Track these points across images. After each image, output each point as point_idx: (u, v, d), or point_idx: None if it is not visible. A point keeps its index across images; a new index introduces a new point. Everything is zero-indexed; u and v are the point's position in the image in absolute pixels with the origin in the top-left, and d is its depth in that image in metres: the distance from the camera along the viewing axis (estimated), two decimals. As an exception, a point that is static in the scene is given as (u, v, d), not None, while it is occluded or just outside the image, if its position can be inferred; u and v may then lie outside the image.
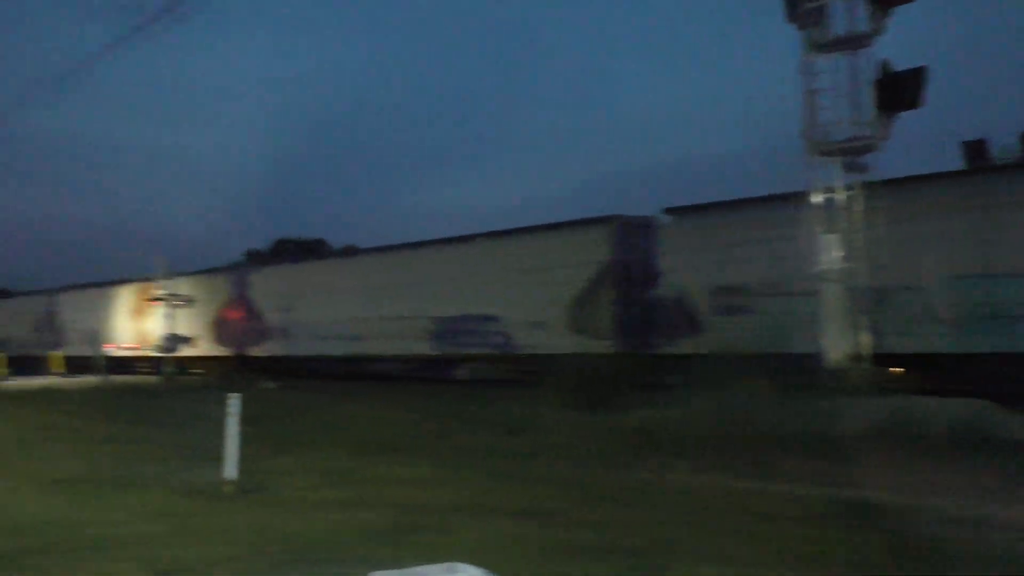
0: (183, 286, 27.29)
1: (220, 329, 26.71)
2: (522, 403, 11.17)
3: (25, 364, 34.11)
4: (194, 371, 26.66)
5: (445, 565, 4.22)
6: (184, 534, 5.40)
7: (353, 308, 22.39)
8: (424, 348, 20.27)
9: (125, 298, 30.82)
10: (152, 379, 23.85)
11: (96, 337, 26.24)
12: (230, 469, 7.15)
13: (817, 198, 11.08)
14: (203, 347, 27.31)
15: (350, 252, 25.49)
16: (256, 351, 25.85)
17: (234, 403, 7.38)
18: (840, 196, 10.96)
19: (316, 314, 23.72)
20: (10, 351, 33.01)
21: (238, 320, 25.95)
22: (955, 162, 14.58)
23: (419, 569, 4.20)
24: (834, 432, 7.40)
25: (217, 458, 8.21)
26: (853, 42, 11.33)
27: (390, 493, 6.94)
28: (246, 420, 7.38)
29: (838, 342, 10.59)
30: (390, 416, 11.25)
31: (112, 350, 29.83)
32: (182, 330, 27.40)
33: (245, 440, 9.41)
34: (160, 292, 26.47)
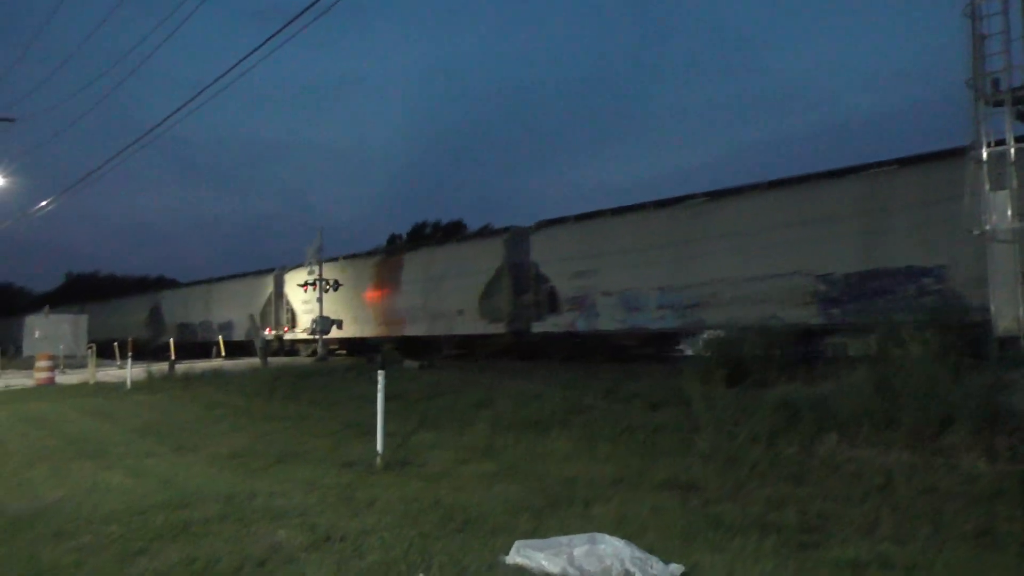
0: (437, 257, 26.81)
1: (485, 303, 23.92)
2: (668, 378, 11.08)
3: (188, 349, 37.45)
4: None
5: (588, 536, 4.42)
6: (340, 504, 5.96)
7: (696, 267, 17.46)
8: (806, 314, 15.62)
9: (291, 283, 32.70)
10: (306, 360, 25.33)
11: (255, 322, 28.18)
12: (381, 445, 7.58)
13: (984, 152, 10.27)
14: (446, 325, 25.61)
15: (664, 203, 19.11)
16: (540, 327, 21.88)
17: (382, 381, 7.78)
18: (1011, 148, 10.11)
19: (626, 279, 19.19)
20: (181, 338, 36.05)
21: (512, 292, 22.99)
22: None
23: (563, 539, 4.43)
24: (1008, 405, 6.93)
25: (368, 433, 8.77)
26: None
27: (533, 467, 7.32)
28: (394, 397, 7.82)
29: (1009, 308, 9.82)
30: (533, 391, 11.50)
31: (270, 334, 31.88)
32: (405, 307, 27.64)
33: (394, 417, 9.99)
34: (312, 276, 27.93)
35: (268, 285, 34.94)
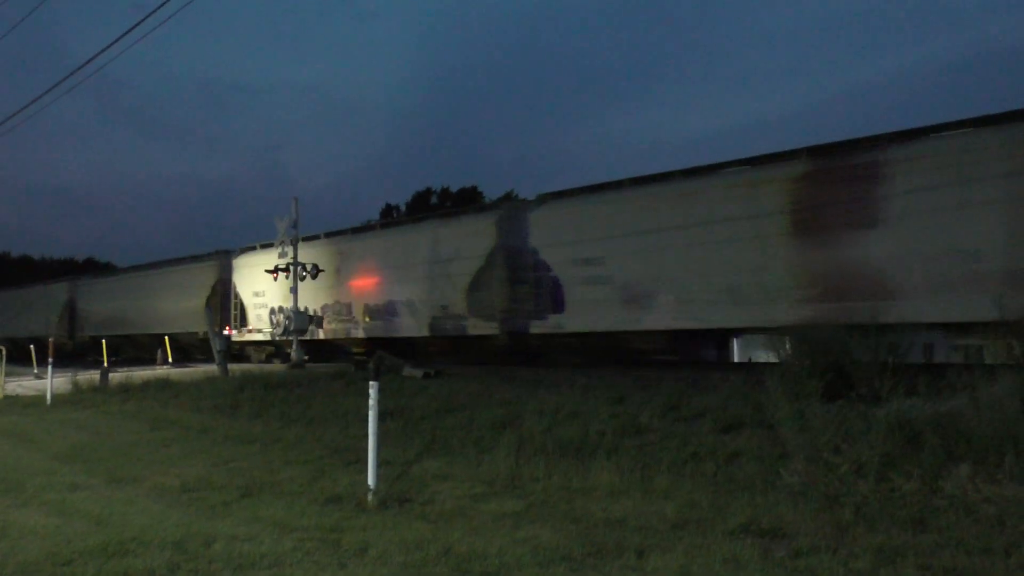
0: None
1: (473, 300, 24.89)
2: (743, 391, 11.09)
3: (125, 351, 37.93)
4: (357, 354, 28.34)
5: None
6: (323, 552, 6.14)
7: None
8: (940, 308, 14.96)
9: (251, 268, 32.94)
10: (276, 367, 25.54)
11: (210, 319, 28.36)
12: (374, 475, 7.68)
13: None
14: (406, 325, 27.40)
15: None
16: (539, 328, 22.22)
17: (375, 395, 7.86)
18: None
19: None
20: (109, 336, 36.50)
21: (509, 285, 23.54)
22: None
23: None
24: None
25: (358, 461, 8.86)
26: None
27: (571, 505, 7.38)
28: (392, 414, 7.90)
29: None
30: (570, 407, 11.54)
31: (231, 334, 32.14)
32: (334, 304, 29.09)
33: (391, 439, 10.07)
34: (284, 262, 28.05)
35: (217, 272, 35.26)
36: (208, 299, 34.92)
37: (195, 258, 37.45)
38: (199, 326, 33.33)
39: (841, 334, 11.01)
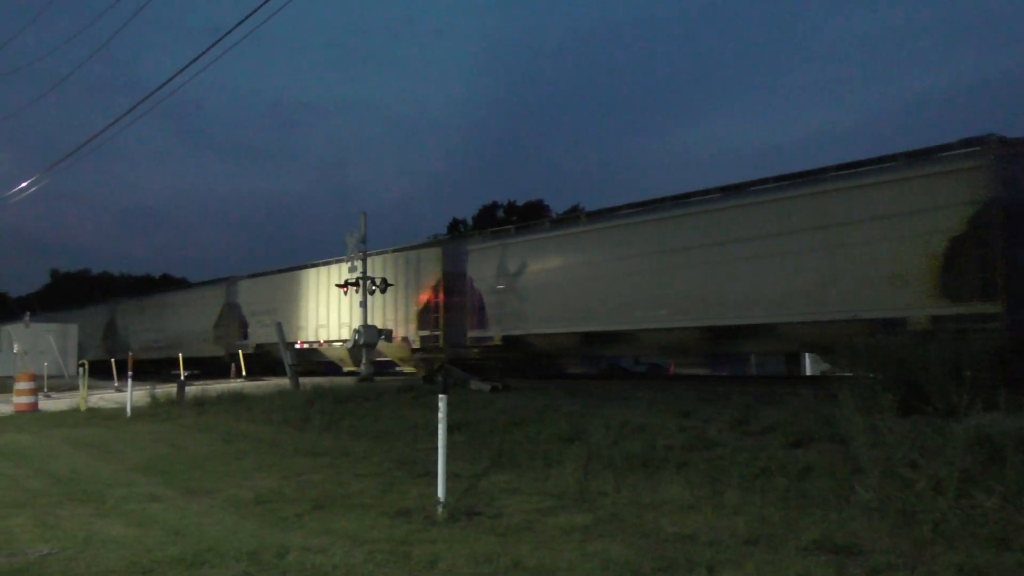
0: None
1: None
2: (813, 406, 10.90)
3: (203, 365, 38.59)
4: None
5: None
6: (393, 564, 6.16)
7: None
8: None
9: (318, 284, 33.46)
10: (345, 381, 25.76)
11: (281, 333, 28.71)
12: (443, 488, 7.67)
13: None
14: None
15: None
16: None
17: (444, 408, 7.86)
18: None
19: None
20: (186, 351, 37.18)
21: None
22: None
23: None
24: None
25: (426, 474, 8.87)
26: None
27: (640, 519, 7.33)
28: (458, 428, 7.88)
29: None
30: (637, 421, 11.44)
31: (301, 347, 32.56)
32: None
33: (459, 453, 10.06)
34: (353, 275, 28.34)
35: (295, 285, 35.73)
36: (291, 312, 35.74)
37: (281, 271, 38.43)
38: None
39: (915, 347, 10.78)
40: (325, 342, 33.35)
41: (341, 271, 30.65)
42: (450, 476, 8.14)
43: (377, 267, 30.02)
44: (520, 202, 66.50)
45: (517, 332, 25.63)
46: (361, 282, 28.47)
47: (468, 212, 69.72)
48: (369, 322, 28.16)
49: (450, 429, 8.24)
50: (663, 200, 22.55)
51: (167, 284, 75.88)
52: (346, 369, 33.37)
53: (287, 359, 25.73)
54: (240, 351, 36.61)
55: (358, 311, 28.66)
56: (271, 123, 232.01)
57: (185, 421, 17.83)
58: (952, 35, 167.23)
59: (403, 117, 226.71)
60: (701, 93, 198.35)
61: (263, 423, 16.29)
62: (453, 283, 28.11)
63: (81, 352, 44.67)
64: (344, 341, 30.86)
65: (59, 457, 13.08)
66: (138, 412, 19.99)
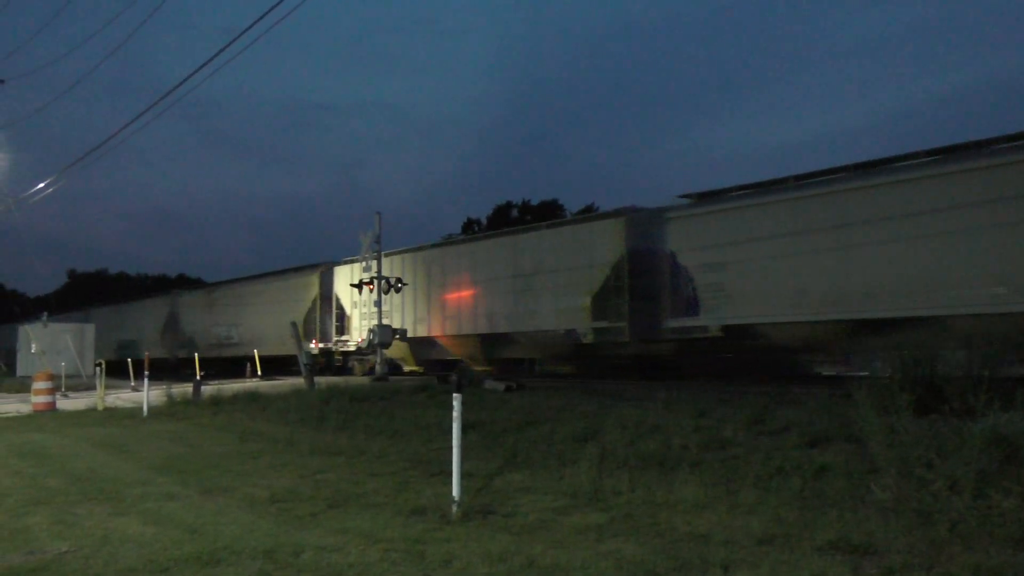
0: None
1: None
2: (829, 405, 10.86)
3: (217, 366, 38.74)
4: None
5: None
6: (408, 563, 6.17)
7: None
8: None
9: (342, 282, 33.47)
10: (361, 380, 25.83)
11: (296, 332, 28.78)
12: (458, 487, 7.68)
13: None
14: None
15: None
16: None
17: (459, 407, 7.87)
18: None
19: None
20: (201, 351, 37.34)
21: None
22: None
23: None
24: None
25: (441, 473, 8.89)
26: None
27: (654, 519, 7.35)
28: (473, 427, 7.89)
29: None
30: (652, 420, 11.43)
31: (315, 347, 32.67)
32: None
33: (474, 452, 10.07)
34: (368, 274, 28.38)
35: (312, 286, 35.82)
36: (307, 312, 35.58)
37: (297, 270, 38.31)
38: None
39: (932, 347, 10.74)
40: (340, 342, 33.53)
41: (459, 255, 30.01)
42: (465, 475, 8.14)
43: (481, 255, 29.02)
44: (535, 201, 66.56)
45: (742, 320, 20.75)
46: (376, 281, 28.52)
47: (483, 212, 69.77)
48: (383, 321, 28.21)
49: (465, 428, 8.25)
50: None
51: (185, 283, 76.11)
52: (407, 369, 32.88)
53: (302, 359, 25.82)
54: (255, 352, 36.60)
55: (372, 310, 28.72)
56: (287, 123, 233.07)
57: (201, 420, 17.91)
58: (971, 34, 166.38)
59: (419, 117, 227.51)
60: (721, 93, 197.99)
61: (279, 422, 16.35)
62: (641, 261, 23.22)
63: (136, 349, 44.49)
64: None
65: (77, 456, 13.16)
66: (155, 411, 20.11)
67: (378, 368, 27.37)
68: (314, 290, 35.79)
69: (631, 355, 24.68)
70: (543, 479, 9.30)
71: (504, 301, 27.23)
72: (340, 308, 34.20)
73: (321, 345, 34.04)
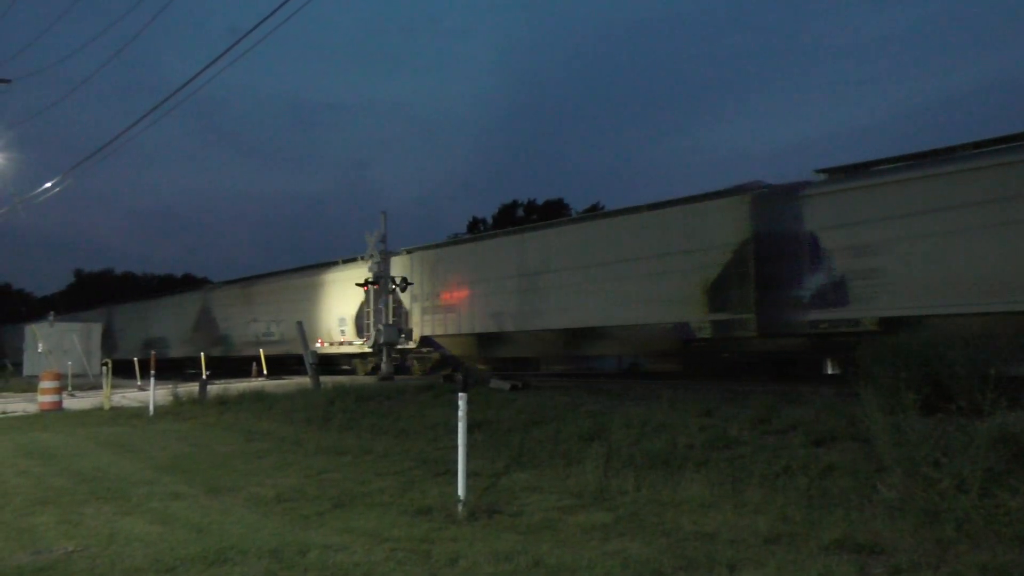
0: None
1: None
2: (835, 404, 10.85)
3: (223, 365, 38.72)
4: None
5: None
6: (414, 562, 6.18)
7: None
8: None
9: (346, 281, 33.18)
10: (366, 379, 25.83)
11: (301, 332, 28.72)
12: (463, 487, 7.69)
13: None
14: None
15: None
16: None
17: (464, 406, 7.88)
18: None
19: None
20: (208, 350, 37.36)
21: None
22: None
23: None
24: None
25: (447, 472, 8.89)
26: None
27: (660, 518, 7.36)
28: (479, 427, 7.90)
29: None
30: (658, 420, 11.42)
31: (321, 346, 32.68)
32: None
33: (479, 451, 10.07)
34: (373, 273, 28.32)
35: (317, 285, 35.81)
36: (312, 311, 35.36)
37: (301, 270, 38.22)
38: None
39: (938, 345, 10.70)
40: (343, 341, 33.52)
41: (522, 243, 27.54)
42: (470, 474, 8.16)
43: (398, 267, 29.43)
44: (540, 201, 66.59)
45: (905, 311, 17.60)
46: (382, 281, 28.51)
47: (488, 211, 69.81)
48: (389, 320, 28.19)
49: (470, 428, 8.26)
50: None
51: (189, 283, 76.13)
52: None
53: (308, 358, 25.80)
54: (261, 351, 36.54)
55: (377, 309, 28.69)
56: (293, 123, 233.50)
57: (207, 420, 17.94)
58: (975, 32, 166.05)
59: (424, 117, 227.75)
60: (725, 92, 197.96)
61: (284, 422, 16.37)
62: (771, 245, 20.11)
63: (165, 346, 44.17)
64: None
65: (83, 455, 13.18)
66: (161, 411, 20.13)
67: (384, 367, 27.35)
68: (319, 289, 35.79)
69: (758, 351, 22.26)
70: (549, 478, 9.31)
71: (589, 292, 24.47)
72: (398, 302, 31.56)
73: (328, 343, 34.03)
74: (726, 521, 7.08)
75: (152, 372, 22.08)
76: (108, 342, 45.23)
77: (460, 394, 8.17)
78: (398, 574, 5.89)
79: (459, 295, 29.21)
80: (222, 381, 29.57)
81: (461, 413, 8.07)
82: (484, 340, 28.94)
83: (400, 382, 23.15)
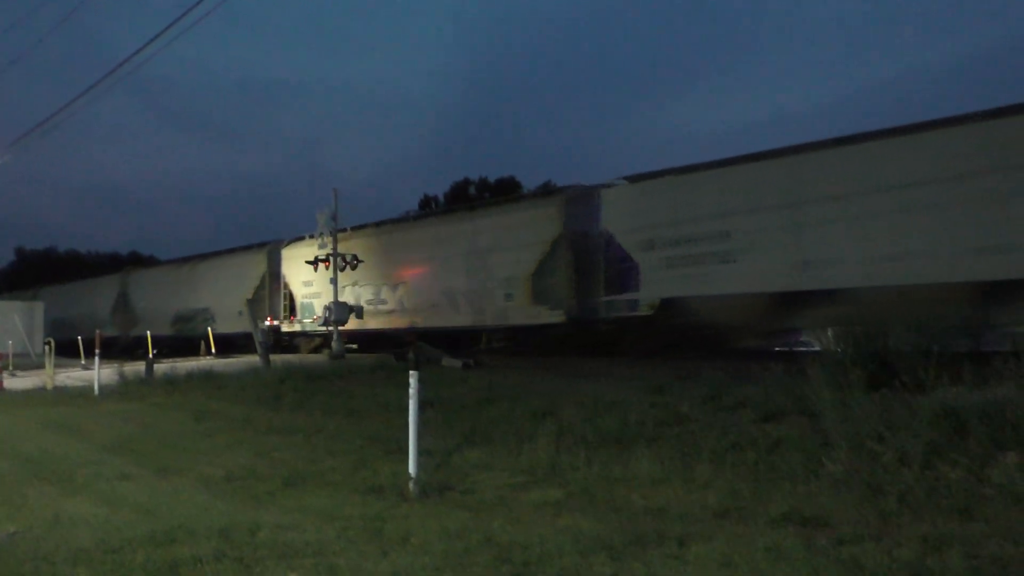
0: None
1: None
2: (784, 381, 11.03)
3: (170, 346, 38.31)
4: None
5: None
6: (365, 540, 6.17)
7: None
8: None
9: (294, 260, 33.11)
10: (317, 358, 25.73)
11: (251, 311, 28.55)
12: (415, 465, 7.72)
13: None
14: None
15: None
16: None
17: (415, 384, 7.90)
18: None
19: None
20: (153, 330, 36.94)
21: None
22: None
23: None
24: None
25: (398, 451, 8.92)
26: None
27: (611, 494, 7.43)
28: (431, 405, 7.92)
29: None
30: (610, 397, 11.52)
31: (272, 325, 32.47)
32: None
33: (432, 430, 10.12)
34: (323, 252, 28.15)
35: (262, 264, 35.58)
36: (256, 290, 35.20)
37: (247, 248, 37.80)
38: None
39: (883, 323, 10.90)
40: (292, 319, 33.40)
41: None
42: (422, 453, 8.18)
43: (347, 245, 29.46)
44: (492, 179, 66.42)
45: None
46: (332, 259, 28.34)
47: (440, 189, 69.52)
48: (339, 299, 28.07)
49: (422, 406, 8.28)
50: None
51: (138, 262, 74.95)
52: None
53: (258, 337, 25.64)
54: (209, 330, 36.24)
55: (326, 288, 28.54)
56: (243, 101, 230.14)
57: (155, 400, 17.74)
58: (930, 17, 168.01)
59: (376, 95, 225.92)
60: (678, 75, 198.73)
61: (234, 401, 16.24)
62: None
63: (87, 328, 43.46)
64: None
65: (25, 437, 13.00)
66: (107, 391, 19.84)
67: (334, 346, 27.24)
68: (262, 268, 35.60)
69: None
70: (501, 456, 9.35)
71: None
72: (287, 288, 33.99)
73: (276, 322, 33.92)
74: (676, 496, 7.17)
75: (97, 351, 21.75)
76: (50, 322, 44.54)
77: (411, 372, 8.19)
78: (350, 552, 5.90)
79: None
80: (169, 360, 29.29)
81: (412, 391, 8.09)
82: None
83: (352, 361, 23.09)
